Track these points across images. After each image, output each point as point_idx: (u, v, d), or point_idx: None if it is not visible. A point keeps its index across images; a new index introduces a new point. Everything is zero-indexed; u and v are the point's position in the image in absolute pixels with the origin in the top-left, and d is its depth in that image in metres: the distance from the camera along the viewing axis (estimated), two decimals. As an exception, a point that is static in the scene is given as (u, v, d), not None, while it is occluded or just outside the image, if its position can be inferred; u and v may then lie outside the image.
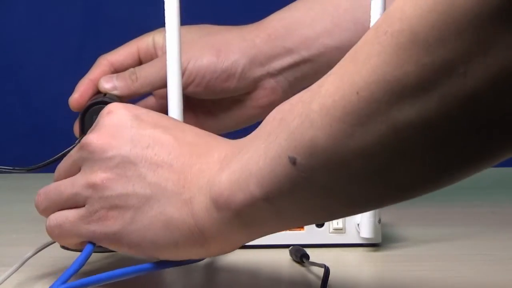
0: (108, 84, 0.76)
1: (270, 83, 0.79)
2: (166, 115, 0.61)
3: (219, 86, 0.78)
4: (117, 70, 0.78)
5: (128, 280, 0.58)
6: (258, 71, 0.79)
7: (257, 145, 0.51)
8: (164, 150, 0.56)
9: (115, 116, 0.58)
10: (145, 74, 0.76)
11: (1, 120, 1.19)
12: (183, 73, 0.73)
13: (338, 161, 0.46)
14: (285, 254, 0.69)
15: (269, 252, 0.70)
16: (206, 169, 0.55)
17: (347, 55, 0.46)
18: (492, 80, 0.40)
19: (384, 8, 0.65)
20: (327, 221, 0.70)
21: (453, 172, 0.45)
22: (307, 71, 0.79)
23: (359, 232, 0.71)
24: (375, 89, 0.43)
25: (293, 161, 0.48)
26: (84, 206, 0.57)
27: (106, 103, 0.61)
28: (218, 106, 0.80)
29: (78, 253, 0.69)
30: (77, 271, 0.57)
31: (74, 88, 0.77)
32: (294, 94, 0.50)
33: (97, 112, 0.61)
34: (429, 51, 0.40)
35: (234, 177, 0.52)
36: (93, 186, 0.57)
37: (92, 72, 0.77)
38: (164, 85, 0.70)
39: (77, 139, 0.73)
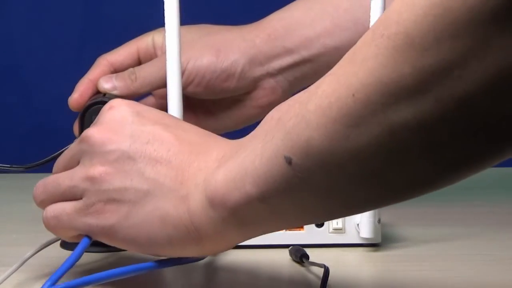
0: (107, 84, 0.76)
1: (269, 83, 0.79)
2: (167, 113, 0.62)
3: (219, 86, 0.78)
4: (116, 70, 0.78)
5: (128, 279, 0.58)
6: (258, 71, 0.79)
7: (254, 144, 0.51)
8: (164, 146, 0.56)
9: (116, 111, 0.58)
10: (145, 74, 0.76)
11: (1, 120, 1.19)
12: (182, 73, 0.73)
13: (334, 162, 0.46)
14: (285, 254, 0.69)
15: (269, 252, 0.70)
16: (204, 167, 0.55)
17: (344, 56, 0.46)
18: (487, 83, 0.40)
19: (384, 8, 0.65)
20: (323, 221, 0.70)
21: (449, 174, 0.45)
22: (307, 71, 0.79)
23: (359, 232, 0.71)
24: (371, 91, 0.43)
25: (288, 161, 0.48)
26: (81, 198, 0.58)
27: (106, 103, 0.61)
28: (218, 106, 0.80)
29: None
30: (73, 263, 0.57)
31: (74, 88, 0.77)
32: (294, 94, 0.51)
33: (97, 112, 0.61)
34: (425, 54, 0.41)
35: (230, 175, 0.52)
36: (91, 179, 0.57)
37: (92, 72, 0.77)
38: (164, 85, 0.70)
39: (76, 138, 0.73)
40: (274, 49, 0.78)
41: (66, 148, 0.63)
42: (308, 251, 0.68)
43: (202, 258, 0.59)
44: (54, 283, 0.55)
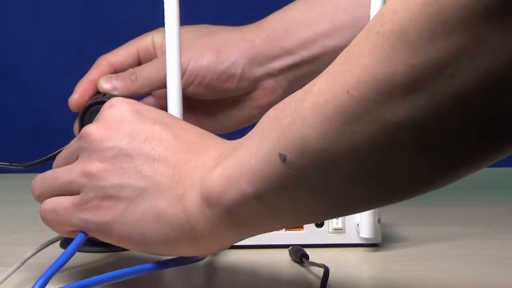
0: (107, 85, 0.76)
1: (270, 83, 0.79)
2: (167, 113, 0.62)
3: (219, 87, 0.78)
4: (116, 71, 0.78)
5: (128, 279, 0.58)
6: (258, 71, 0.79)
7: (251, 143, 0.51)
8: (162, 145, 0.57)
9: (116, 109, 0.59)
10: (145, 74, 0.76)
11: (1, 120, 1.19)
12: (183, 73, 0.73)
13: (329, 160, 0.46)
14: (284, 254, 0.69)
15: (269, 252, 0.70)
16: (201, 166, 0.55)
17: (340, 55, 0.46)
18: (480, 81, 0.40)
19: (384, 8, 0.65)
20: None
21: (446, 173, 0.45)
22: (306, 71, 0.79)
23: (358, 232, 0.71)
24: (365, 89, 0.43)
25: (283, 159, 0.48)
26: (78, 194, 0.58)
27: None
28: (218, 106, 0.81)
29: (80, 253, 0.69)
30: (68, 259, 0.57)
31: (74, 88, 0.77)
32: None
33: (97, 112, 0.61)
34: (418, 51, 0.41)
35: (226, 174, 0.52)
36: (88, 175, 0.57)
37: (92, 72, 0.77)
38: (164, 85, 0.71)
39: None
40: (273, 50, 0.79)
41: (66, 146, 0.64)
42: (308, 251, 0.68)
43: (202, 259, 0.59)
44: (48, 279, 0.55)
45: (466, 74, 0.40)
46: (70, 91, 0.77)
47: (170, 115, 0.62)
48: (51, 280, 0.57)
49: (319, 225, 0.72)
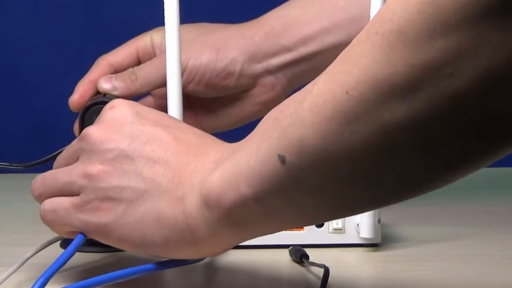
0: (107, 85, 0.76)
1: (269, 80, 0.79)
2: (167, 114, 0.62)
3: (219, 84, 0.78)
4: (116, 71, 0.78)
5: (128, 280, 0.58)
6: (257, 68, 0.79)
7: (250, 144, 0.51)
8: (162, 147, 0.56)
9: (117, 111, 0.59)
10: (145, 74, 0.76)
11: (1, 120, 1.19)
12: (183, 72, 0.73)
13: (327, 160, 0.46)
14: (284, 254, 0.69)
15: (269, 252, 0.70)
16: (201, 168, 0.55)
17: (339, 55, 0.46)
18: (479, 80, 0.40)
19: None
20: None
21: (443, 173, 0.45)
22: (305, 68, 0.79)
23: (358, 232, 0.71)
24: (364, 89, 0.43)
25: (282, 160, 0.48)
26: (78, 195, 0.58)
27: (106, 103, 0.61)
28: (218, 104, 0.81)
29: (80, 254, 0.69)
30: (67, 259, 0.57)
31: (74, 88, 0.77)
32: (293, 90, 0.51)
33: (97, 112, 0.61)
34: (417, 51, 0.41)
35: (225, 176, 0.52)
36: (89, 176, 0.57)
37: (92, 72, 0.77)
38: (164, 84, 0.71)
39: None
40: (272, 47, 0.79)
41: (66, 147, 0.64)
42: (308, 251, 0.68)
43: (202, 259, 0.59)
44: (48, 279, 0.55)
45: (465, 74, 0.40)
46: (70, 91, 0.77)
47: (170, 116, 0.62)
48: (51, 281, 0.57)
49: (319, 225, 0.72)
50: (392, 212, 0.77)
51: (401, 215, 0.81)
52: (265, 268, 0.67)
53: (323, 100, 0.45)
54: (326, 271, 0.62)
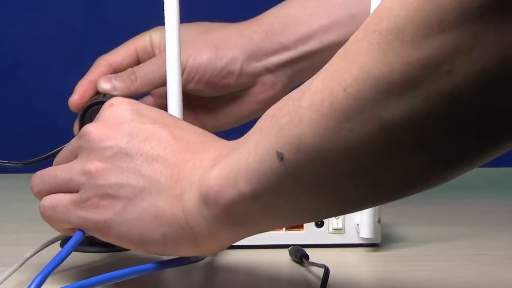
0: (107, 85, 0.76)
1: (269, 78, 0.79)
2: (166, 113, 0.62)
3: (219, 83, 0.78)
4: (115, 71, 0.78)
5: (128, 279, 0.58)
6: (257, 67, 0.79)
7: (249, 142, 0.51)
8: (161, 145, 0.57)
9: (116, 109, 0.59)
10: (144, 73, 0.76)
11: (1, 120, 1.19)
12: (182, 71, 0.73)
13: (325, 158, 0.46)
14: (284, 254, 0.69)
15: (269, 252, 0.70)
16: (200, 166, 0.55)
17: (337, 53, 0.46)
18: (475, 78, 0.40)
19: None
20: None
21: (441, 171, 0.45)
22: (305, 66, 0.79)
23: (358, 232, 0.71)
24: (362, 86, 0.43)
25: (280, 157, 0.48)
26: (78, 192, 0.58)
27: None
28: (218, 103, 0.81)
29: (80, 254, 0.69)
30: (65, 256, 0.57)
31: (74, 88, 0.77)
32: (293, 88, 0.51)
33: (97, 112, 0.61)
34: (414, 49, 0.41)
35: (224, 173, 0.52)
36: (87, 174, 0.57)
37: (91, 73, 0.77)
38: (164, 84, 0.71)
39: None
40: (271, 45, 0.79)
41: (66, 145, 0.64)
42: (308, 251, 0.68)
43: (203, 259, 0.60)
44: (46, 276, 0.55)
45: (461, 72, 0.40)
46: (70, 91, 0.76)
47: (170, 115, 0.62)
48: (52, 280, 0.57)
49: (319, 225, 0.72)
50: (392, 212, 0.77)
51: (401, 215, 0.81)
52: (265, 268, 0.67)
53: (321, 97, 0.45)
54: (326, 271, 0.62)
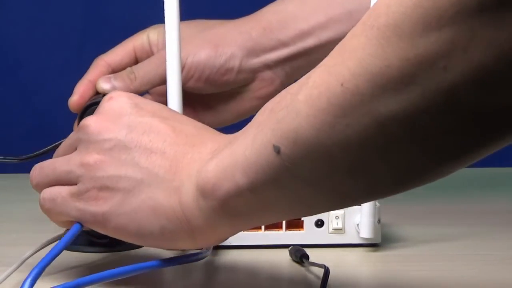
0: (106, 85, 0.76)
1: (267, 74, 0.79)
2: (166, 106, 0.62)
3: (219, 80, 0.78)
4: (114, 70, 0.78)
5: (127, 278, 0.58)
6: (255, 63, 0.79)
7: (247, 135, 0.52)
8: (160, 137, 0.57)
9: (115, 102, 0.59)
10: (143, 72, 0.76)
11: (1, 120, 1.19)
12: (182, 69, 0.73)
13: (322, 152, 0.46)
14: (284, 254, 0.69)
15: (269, 252, 0.70)
16: (198, 158, 0.55)
17: (335, 48, 0.46)
18: (472, 75, 0.40)
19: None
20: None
21: (438, 166, 0.45)
22: (303, 62, 0.79)
23: (358, 232, 0.71)
24: (359, 81, 0.43)
25: (277, 150, 0.48)
26: (76, 184, 0.58)
27: (105, 103, 0.62)
28: (217, 100, 0.81)
29: (80, 254, 0.69)
30: (63, 248, 0.58)
31: (73, 88, 0.77)
32: (291, 84, 0.51)
33: (96, 112, 0.61)
34: (412, 45, 0.41)
35: (221, 166, 0.52)
36: (86, 166, 0.58)
37: (90, 73, 0.77)
38: (163, 82, 0.71)
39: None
40: (269, 42, 0.79)
41: (63, 140, 0.64)
42: (308, 251, 0.68)
43: (205, 257, 0.60)
44: (43, 267, 0.55)
45: (458, 68, 0.40)
46: (70, 91, 0.76)
47: (169, 108, 0.63)
48: (52, 280, 0.57)
49: (319, 225, 0.71)
50: (392, 212, 0.77)
51: (401, 215, 0.81)
52: (265, 268, 0.67)
53: (318, 92, 0.46)
54: (326, 271, 0.62)
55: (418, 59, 0.41)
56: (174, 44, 0.68)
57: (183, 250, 0.65)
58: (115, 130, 0.58)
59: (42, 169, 0.61)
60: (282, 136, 0.48)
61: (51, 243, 0.65)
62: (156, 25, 0.78)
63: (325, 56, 0.47)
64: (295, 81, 0.50)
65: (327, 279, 0.61)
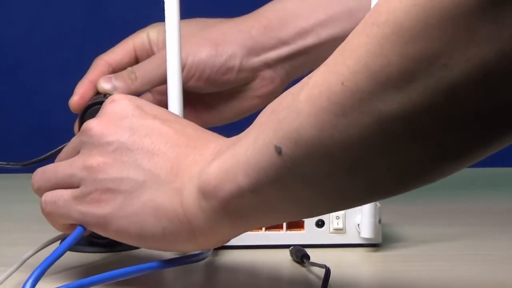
0: (107, 85, 0.76)
1: (268, 73, 0.79)
2: (167, 110, 0.63)
3: (219, 79, 0.78)
4: (115, 70, 0.78)
5: (128, 279, 0.58)
6: (256, 62, 0.79)
7: (249, 136, 0.52)
8: (162, 139, 0.57)
9: (117, 104, 0.59)
10: (144, 72, 0.76)
11: (1, 120, 1.19)
12: (182, 68, 0.73)
13: (323, 152, 0.46)
14: (285, 254, 0.69)
15: (270, 252, 0.70)
16: (200, 160, 0.55)
17: (337, 48, 0.46)
18: (472, 72, 0.40)
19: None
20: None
21: (439, 165, 0.45)
22: (303, 61, 0.79)
23: (359, 232, 0.71)
24: (359, 80, 0.43)
25: (278, 151, 0.48)
26: (78, 187, 0.58)
27: (106, 103, 0.62)
28: (217, 99, 0.81)
29: (80, 254, 0.69)
30: (66, 250, 0.58)
31: (74, 88, 0.77)
32: (291, 82, 0.51)
33: (97, 112, 0.62)
34: (412, 42, 0.41)
35: (223, 167, 0.52)
36: (89, 168, 0.58)
37: (91, 73, 0.77)
38: (163, 82, 0.71)
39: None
40: (270, 40, 0.79)
41: (65, 145, 0.64)
42: (308, 251, 0.68)
43: (206, 257, 0.60)
44: (46, 268, 0.55)
45: (458, 66, 0.40)
46: (70, 91, 0.76)
47: (170, 112, 0.63)
48: (52, 280, 0.57)
49: (320, 225, 0.71)
50: (393, 212, 0.77)
51: (401, 215, 0.81)
52: (265, 268, 0.67)
53: (318, 91, 0.46)
54: (327, 271, 0.62)
55: (418, 56, 0.41)
56: (175, 44, 0.68)
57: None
58: (118, 133, 0.58)
59: (44, 173, 0.61)
60: (284, 136, 0.48)
61: (51, 243, 0.65)
62: (155, 24, 0.78)
63: (325, 55, 0.47)
64: (295, 79, 0.50)
65: (328, 279, 0.61)
